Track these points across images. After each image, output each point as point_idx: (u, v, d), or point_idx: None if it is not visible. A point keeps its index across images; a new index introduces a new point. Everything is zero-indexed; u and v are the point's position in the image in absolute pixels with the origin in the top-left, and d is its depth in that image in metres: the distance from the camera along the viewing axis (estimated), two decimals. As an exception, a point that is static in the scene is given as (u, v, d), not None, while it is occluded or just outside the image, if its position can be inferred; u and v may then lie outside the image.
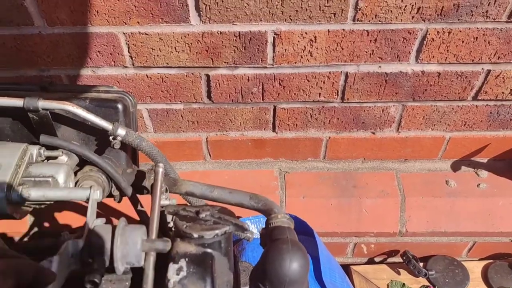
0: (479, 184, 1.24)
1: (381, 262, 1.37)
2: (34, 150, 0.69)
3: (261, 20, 0.94)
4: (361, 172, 1.29)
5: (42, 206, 0.69)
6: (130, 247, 0.57)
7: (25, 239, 1.18)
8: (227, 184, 1.20)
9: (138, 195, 0.79)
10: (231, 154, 1.27)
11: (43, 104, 0.70)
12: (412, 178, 1.28)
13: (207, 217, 0.63)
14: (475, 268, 1.30)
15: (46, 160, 0.71)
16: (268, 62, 1.02)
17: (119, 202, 0.80)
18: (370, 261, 1.38)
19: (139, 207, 0.78)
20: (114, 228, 0.59)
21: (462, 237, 1.26)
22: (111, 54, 1.00)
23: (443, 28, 0.96)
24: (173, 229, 0.68)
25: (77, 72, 1.04)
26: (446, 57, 1.01)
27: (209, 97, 1.10)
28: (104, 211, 1.21)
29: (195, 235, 0.59)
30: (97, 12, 0.92)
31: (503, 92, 1.09)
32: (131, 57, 1.01)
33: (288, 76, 1.05)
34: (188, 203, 0.90)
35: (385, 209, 1.23)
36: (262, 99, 1.11)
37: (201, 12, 0.92)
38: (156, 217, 0.64)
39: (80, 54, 1.00)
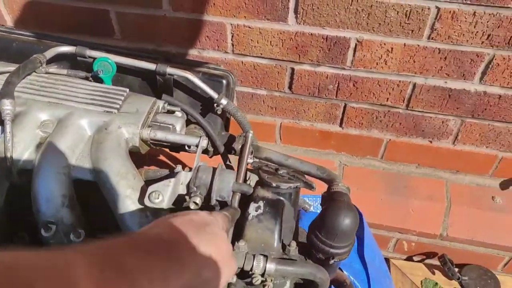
0: (524, 205, 1.33)
1: (419, 261, 1.49)
2: (160, 103, 0.90)
3: (347, 28, 1.10)
4: (413, 175, 1.42)
5: (158, 148, 0.90)
6: (225, 184, 0.76)
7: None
8: (292, 166, 1.37)
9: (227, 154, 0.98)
10: (299, 141, 1.45)
11: (170, 70, 0.91)
12: (461, 189, 1.39)
13: (284, 174, 0.81)
14: (508, 282, 1.39)
15: (167, 113, 0.92)
16: (347, 64, 1.18)
17: (211, 157, 0.99)
18: (409, 259, 1.51)
19: (228, 163, 0.97)
20: (214, 169, 0.79)
21: (499, 250, 1.35)
22: (217, 40, 1.20)
23: (509, 55, 1.07)
24: (254, 180, 0.86)
25: (186, 51, 1.26)
26: (509, 82, 1.12)
27: (290, 87, 1.28)
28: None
29: (274, 184, 0.77)
30: (214, 4, 1.12)
31: (559, 122, 1.18)
32: (233, 45, 1.21)
33: (362, 79, 1.21)
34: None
35: (430, 212, 1.36)
36: (336, 96, 1.27)
37: (298, 15, 1.10)
38: (244, 169, 0.82)
39: (192, 36, 1.21)
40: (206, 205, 0.79)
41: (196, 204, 0.74)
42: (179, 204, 0.78)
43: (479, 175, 1.40)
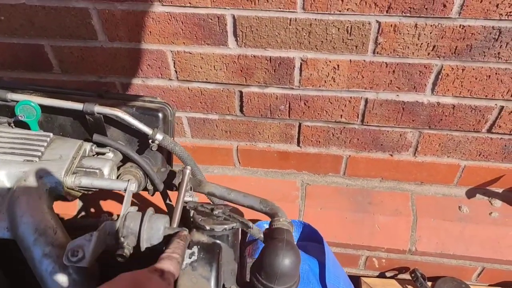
0: (491, 213, 1.30)
1: (391, 278, 1.44)
2: (87, 146, 0.85)
3: (290, 48, 1.06)
4: (377, 190, 1.38)
5: (89, 192, 0.84)
6: (154, 231, 0.71)
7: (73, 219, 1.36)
8: (253, 190, 1.33)
9: (168, 191, 0.93)
10: (258, 163, 1.40)
11: (98, 109, 0.86)
12: (426, 201, 1.35)
13: (219, 214, 0.76)
14: (482, 293, 1.35)
15: (96, 155, 0.87)
16: (295, 84, 1.14)
17: (152, 195, 0.94)
18: (381, 275, 1.46)
19: (167, 201, 0.92)
20: (143, 215, 0.73)
21: (470, 261, 1.32)
22: (159, 67, 1.16)
23: (457, 65, 1.04)
24: (191, 221, 0.81)
25: (129, 81, 1.21)
26: (461, 91, 1.09)
27: (241, 110, 1.24)
28: (140, 201, 1.37)
29: (207, 227, 0.72)
30: (150, 32, 1.08)
31: (516, 128, 1.15)
32: (176, 72, 1.16)
33: (312, 97, 1.17)
34: (211, 202, 1.03)
35: (397, 227, 1.31)
36: (289, 116, 1.23)
37: (238, 38, 1.05)
38: (179, 210, 0.77)
39: (133, 65, 1.16)
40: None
41: (123, 256, 0.68)
42: (111, 252, 0.72)
43: (444, 185, 1.36)
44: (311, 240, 1.21)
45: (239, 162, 1.41)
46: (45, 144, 0.81)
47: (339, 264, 1.19)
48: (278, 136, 1.30)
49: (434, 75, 1.07)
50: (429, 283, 1.35)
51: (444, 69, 1.05)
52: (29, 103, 0.86)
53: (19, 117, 0.85)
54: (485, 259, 1.29)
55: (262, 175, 1.43)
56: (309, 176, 1.41)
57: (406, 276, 1.41)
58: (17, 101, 0.87)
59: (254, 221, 1.22)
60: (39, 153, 0.79)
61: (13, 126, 0.86)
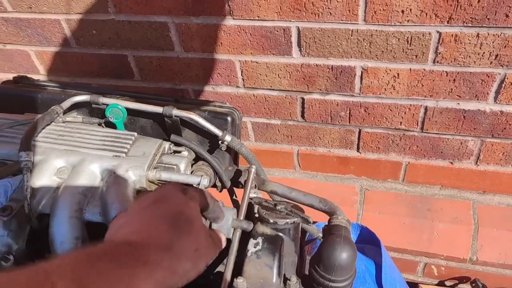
0: (558, 225, 1.26)
1: (451, 286, 1.44)
2: (166, 145, 0.95)
3: (351, 57, 1.11)
4: (437, 197, 1.39)
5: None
6: (224, 221, 0.79)
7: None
8: (312, 193, 1.39)
9: (234, 188, 1.01)
10: (318, 167, 1.46)
11: (176, 112, 0.96)
12: (489, 210, 1.33)
13: (282, 209, 0.83)
14: (548, 308, 1.31)
15: (173, 153, 0.97)
16: (355, 92, 1.19)
17: (220, 191, 1.03)
18: (441, 284, 1.46)
19: (234, 197, 1.01)
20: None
21: (535, 274, 1.29)
22: (228, 76, 1.25)
23: (521, 74, 1.04)
24: (256, 215, 0.89)
25: (201, 88, 1.32)
26: (525, 100, 1.09)
27: (302, 116, 1.30)
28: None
29: (271, 220, 0.79)
30: (221, 43, 1.18)
31: None
32: (243, 79, 1.25)
33: (372, 104, 1.21)
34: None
35: (457, 235, 1.31)
36: (349, 122, 1.28)
37: (302, 48, 1.12)
38: (245, 204, 0.85)
39: (205, 74, 1.27)
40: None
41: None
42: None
43: (508, 195, 1.34)
44: (368, 243, 1.24)
45: (299, 166, 1.47)
46: (131, 142, 0.92)
47: (396, 268, 1.21)
48: (338, 142, 1.35)
49: (497, 83, 1.07)
50: (491, 294, 1.34)
51: (507, 78, 1.06)
52: (117, 106, 0.98)
53: (109, 118, 0.97)
54: (551, 272, 1.26)
55: (322, 179, 1.48)
56: (368, 182, 1.45)
57: (467, 286, 1.40)
58: (107, 104, 0.99)
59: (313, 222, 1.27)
60: (126, 150, 0.90)
61: (104, 126, 0.99)
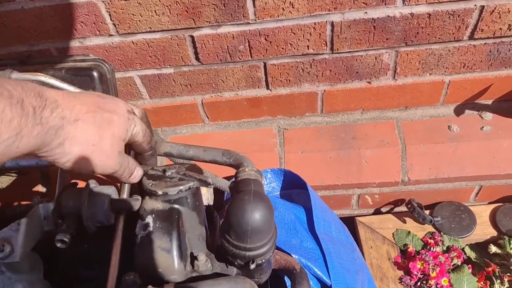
0: (482, 127, 1.21)
1: (387, 212, 1.37)
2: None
3: (235, -25, 0.92)
4: (360, 123, 1.28)
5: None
6: (97, 207, 0.60)
7: None
8: (227, 145, 1.22)
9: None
10: (228, 115, 1.28)
11: (16, 76, 0.73)
12: (413, 126, 1.25)
13: (173, 175, 0.64)
14: (483, 212, 1.28)
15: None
16: (250, 18, 1.01)
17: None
18: (377, 212, 1.39)
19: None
20: (84, 189, 0.62)
21: (467, 182, 1.24)
22: (94, 23, 1.01)
23: (427, -35, 0.91)
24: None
25: (66, 44, 1.06)
26: (435, -4, 0.97)
27: (197, 58, 1.11)
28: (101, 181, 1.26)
29: (160, 192, 0.61)
30: (73, -19, 0.93)
31: (500, 28, 1.03)
32: (114, 25, 1.02)
33: (273, 30, 1.04)
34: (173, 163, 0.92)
35: (385, 158, 1.22)
36: (251, 57, 1.10)
37: (174, -28, 0.91)
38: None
39: (65, 26, 1.02)
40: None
41: (64, 242, 0.58)
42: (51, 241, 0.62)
43: (430, 106, 1.26)
44: (295, 188, 1.11)
45: (208, 117, 1.29)
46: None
47: (329, 208, 1.10)
48: (244, 82, 1.18)
49: (403, -19, 0.94)
50: (427, 211, 1.28)
51: (413, -27, 0.92)
52: None
53: None
54: (482, 176, 1.21)
55: (235, 127, 1.32)
56: (285, 120, 1.30)
57: (403, 208, 1.34)
58: None
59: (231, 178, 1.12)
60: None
61: None
